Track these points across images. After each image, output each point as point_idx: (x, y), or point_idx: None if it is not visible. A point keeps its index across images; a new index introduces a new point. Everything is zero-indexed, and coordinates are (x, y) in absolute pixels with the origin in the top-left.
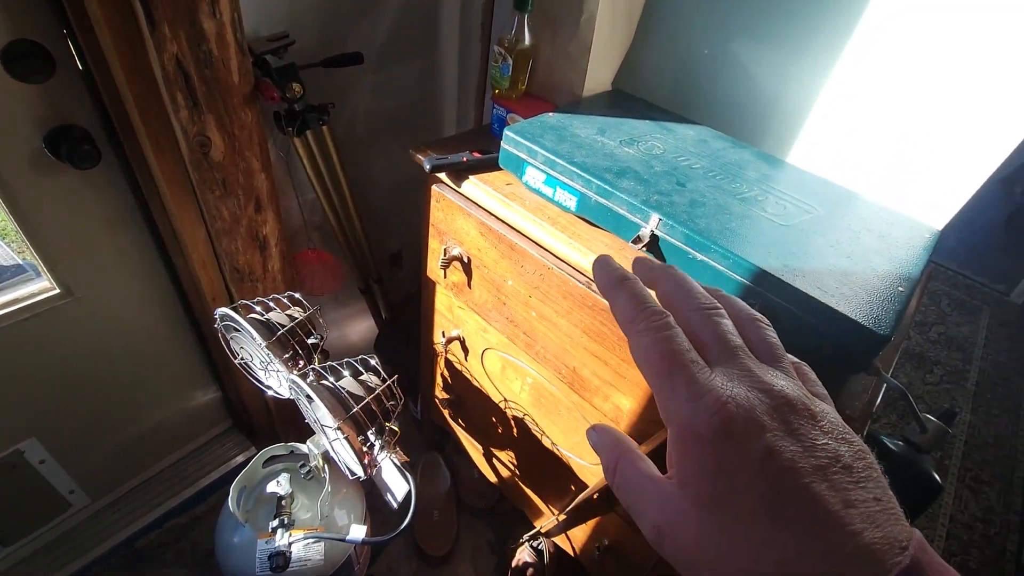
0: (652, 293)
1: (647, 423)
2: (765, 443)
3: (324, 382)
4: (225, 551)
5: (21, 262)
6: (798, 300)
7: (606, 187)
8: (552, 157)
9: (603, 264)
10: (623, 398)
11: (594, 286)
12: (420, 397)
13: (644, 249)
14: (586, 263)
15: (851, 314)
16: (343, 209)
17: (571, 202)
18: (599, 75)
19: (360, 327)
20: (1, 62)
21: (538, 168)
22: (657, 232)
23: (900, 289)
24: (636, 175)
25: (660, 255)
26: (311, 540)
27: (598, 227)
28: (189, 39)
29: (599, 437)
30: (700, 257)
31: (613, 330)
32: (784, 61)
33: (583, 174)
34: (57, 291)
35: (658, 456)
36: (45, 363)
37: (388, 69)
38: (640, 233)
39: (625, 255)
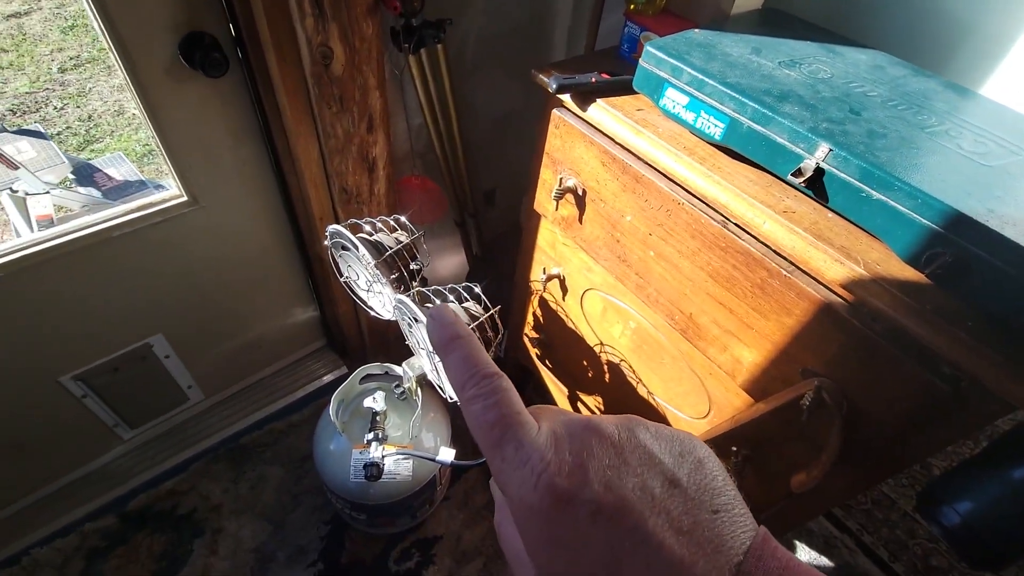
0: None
1: (770, 379)
2: (590, 495)
3: (429, 305)
4: (322, 456)
5: (143, 179)
6: (1005, 251)
7: (764, 111)
8: (700, 76)
9: (437, 318)
10: (746, 350)
11: (731, 225)
12: (506, 334)
13: (803, 185)
14: (725, 199)
15: None
16: (448, 137)
17: (717, 129)
18: None
19: (449, 261)
20: None
21: (681, 89)
22: (824, 165)
23: None
24: (800, 100)
25: (823, 192)
26: (402, 456)
27: (744, 159)
28: None
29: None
30: (877, 196)
31: (746, 275)
32: None
33: (737, 96)
34: (185, 198)
35: (782, 416)
36: (172, 265)
37: None
38: (802, 166)
39: (772, 193)
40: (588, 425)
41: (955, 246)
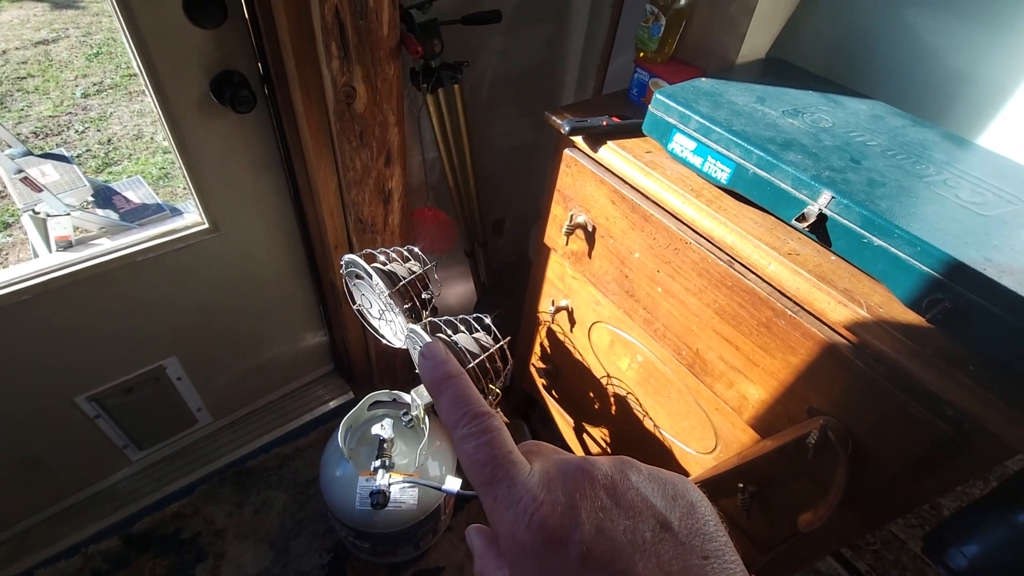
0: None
1: (776, 417)
2: (581, 537)
3: (440, 335)
4: (328, 482)
5: (160, 202)
6: (1002, 299)
7: (769, 159)
8: (707, 124)
9: (429, 356)
10: (752, 387)
11: (737, 265)
12: (513, 364)
13: (807, 229)
14: (731, 240)
15: None
16: (461, 170)
17: (723, 174)
18: (757, 41)
19: (457, 290)
20: (182, 7)
21: (689, 135)
22: (827, 211)
23: None
24: (803, 148)
25: (826, 237)
26: (408, 484)
27: (749, 203)
28: None
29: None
30: (878, 242)
31: (752, 313)
32: (977, 35)
33: (743, 143)
34: (207, 226)
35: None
36: (190, 290)
37: (518, 31)
38: (805, 211)
39: (777, 235)
40: (581, 466)
41: (954, 293)
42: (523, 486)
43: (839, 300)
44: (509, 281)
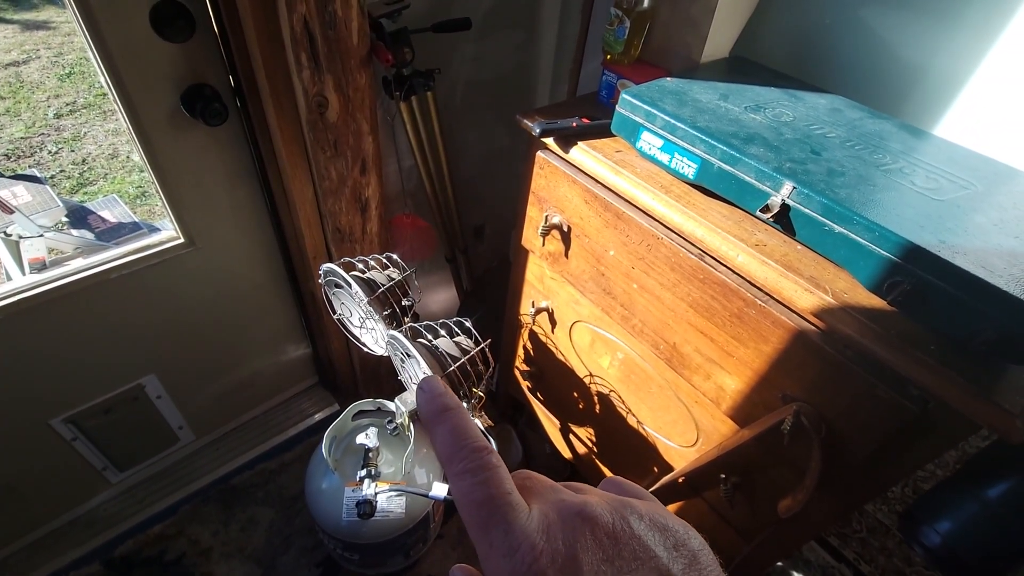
0: (476, 423)
1: (753, 406)
2: None
3: (421, 340)
4: (314, 495)
5: (137, 220)
6: (957, 280)
7: (732, 153)
8: (672, 121)
9: (427, 390)
10: (728, 377)
11: (707, 258)
12: (498, 368)
13: (772, 220)
14: (700, 233)
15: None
16: (438, 177)
17: (690, 169)
18: (719, 40)
19: (440, 296)
20: (150, 22)
21: (656, 133)
22: (789, 202)
23: None
24: (765, 142)
25: (790, 226)
26: (395, 493)
27: (717, 197)
28: (318, 0)
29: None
30: (839, 229)
31: (725, 305)
32: (929, 29)
33: (707, 139)
34: (182, 241)
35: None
36: (168, 306)
37: (489, 37)
38: (769, 202)
39: (745, 227)
40: (582, 512)
41: (912, 275)
42: (521, 533)
43: (806, 288)
44: (492, 286)
